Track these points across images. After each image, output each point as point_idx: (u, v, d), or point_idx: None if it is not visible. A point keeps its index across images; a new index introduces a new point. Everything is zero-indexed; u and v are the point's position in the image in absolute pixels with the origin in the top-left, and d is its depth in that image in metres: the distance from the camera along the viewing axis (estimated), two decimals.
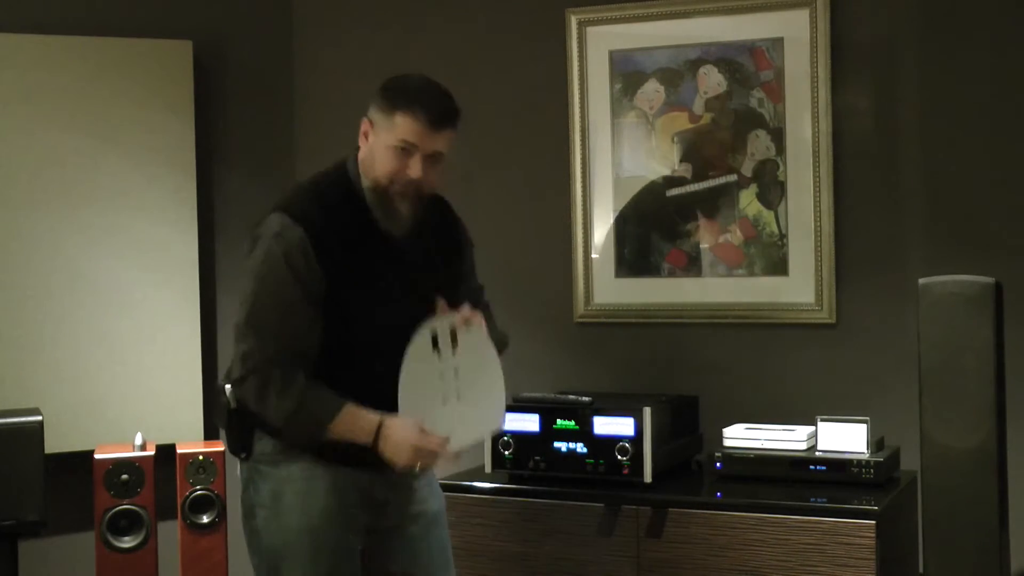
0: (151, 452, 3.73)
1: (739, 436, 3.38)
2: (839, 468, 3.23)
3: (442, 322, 2.59)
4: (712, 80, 3.72)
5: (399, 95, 2.60)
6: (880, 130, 3.57)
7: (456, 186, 3.92)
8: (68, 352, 3.90)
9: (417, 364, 2.57)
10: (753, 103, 3.68)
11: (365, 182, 2.63)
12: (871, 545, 2.97)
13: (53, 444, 3.69)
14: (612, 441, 3.28)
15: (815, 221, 3.60)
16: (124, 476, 3.68)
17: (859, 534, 2.98)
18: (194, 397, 4.04)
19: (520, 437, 3.39)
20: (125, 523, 3.69)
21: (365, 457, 2.61)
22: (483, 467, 3.46)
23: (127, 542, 3.69)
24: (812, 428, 3.34)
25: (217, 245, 4.19)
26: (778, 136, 3.65)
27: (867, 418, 3.27)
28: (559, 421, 3.36)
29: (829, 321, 3.61)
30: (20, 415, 3.55)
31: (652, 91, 3.80)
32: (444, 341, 2.59)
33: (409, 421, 2.54)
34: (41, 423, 3.52)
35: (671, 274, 3.80)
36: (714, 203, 3.74)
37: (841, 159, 3.59)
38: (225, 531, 3.77)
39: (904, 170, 3.55)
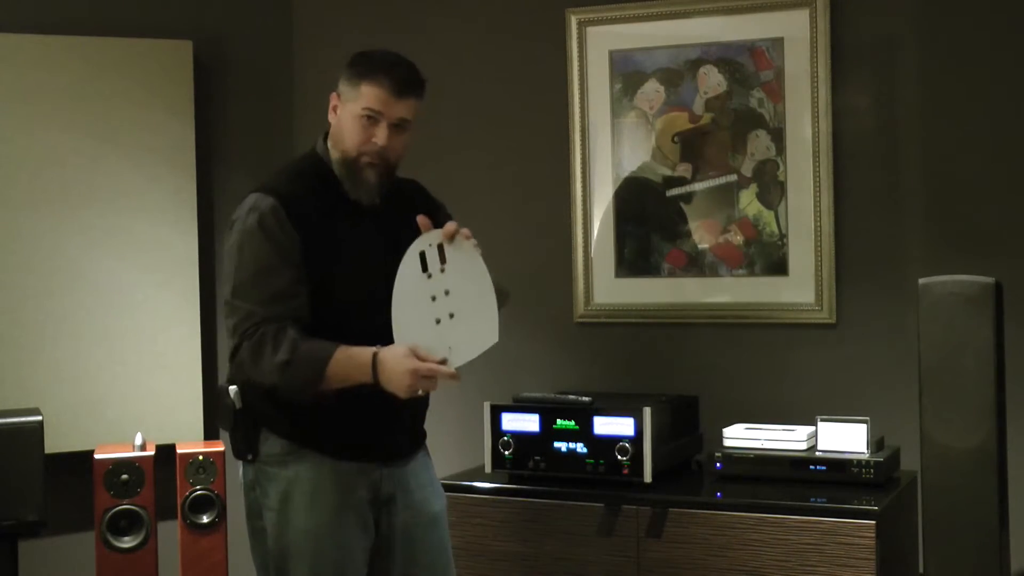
0: (151, 452, 3.73)
1: (739, 436, 3.38)
2: (839, 468, 3.23)
3: (429, 238, 2.56)
4: (712, 80, 3.72)
5: (364, 66, 2.67)
6: (880, 130, 3.57)
7: (456, 186, 3.94)
8: (68, 352, 3.90)
9: (407, 288, 2.53)
10: (753, 103, 3.68)
11: (335, 154, 2.70)
12: (871, 545, 2.97)
13: (53, 444, 3.69)
14: (612, 441, 3.28)
15: (815, 221, 3.60)
16: (124, 476, 3.68)
17: (859, 534, 2.98)
18: (194, 397, 4.04)
19: (520, 437, 3.39)
20: (125, 523, 3.69)
21: (372, 449, 2.64)
22: (483, 467, 3.46)
23: (127, 542, 3.69)
24: (812, 428, 3.34)
25: (217, 245, 4.18)
26: (778, 136, 3.65)
27: (867, 418, 3.27)
28: (559, 421, 3.36)
29: (829, 321, 3.61)
30: (20, 415, 3.55)
31: (652, 91, 3.80)
32: (432, 259, 2.55)
33: (402, 348, 2.51)
34: (41, 423, 3.52)
35: (671, 274, 3.80)
36: (714, 203, 3.74)
37: (841, 159, 3.59)
38: (225, 531, 3.77)
39: (904, 170, 3.55)
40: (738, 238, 3.71)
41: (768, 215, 3.67)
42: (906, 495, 3.27)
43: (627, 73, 3.82)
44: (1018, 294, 3.25)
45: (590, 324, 3.91)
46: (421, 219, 2.58)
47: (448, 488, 3.15)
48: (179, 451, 3.78)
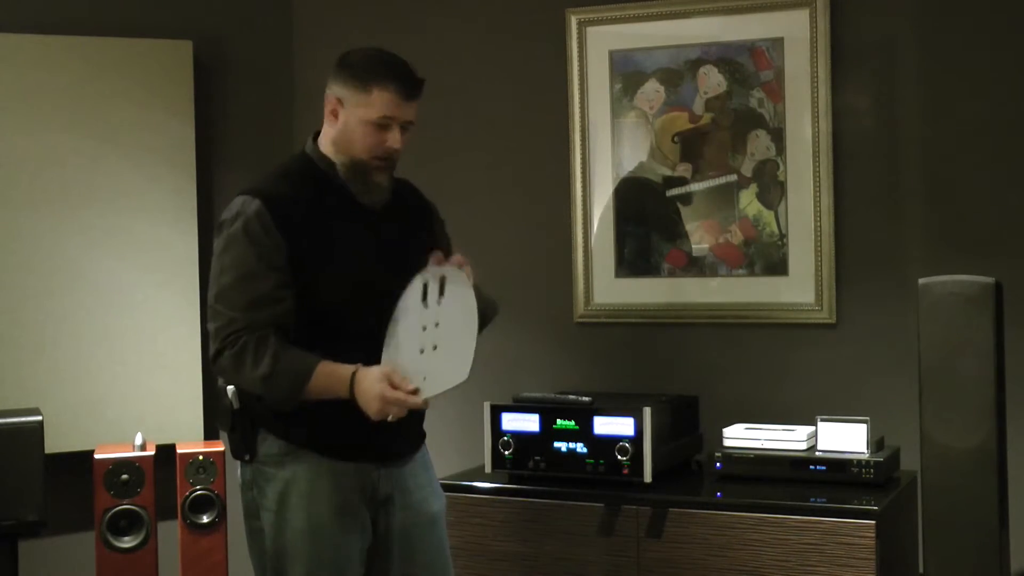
0: (151, 452, 3.73)
1: (739, 436, 3.38)
2: (839, 468, 3.23)
3: (434, 272, 2.59)
4: (712, 80, 3.72)
5: (370, 71, 2.64)
6: (880, 130, 3.57)
7: (456, 186, 3.94)
8: (68, 352, 3.90)
9: (405, 313, 2.56)
10: (753, 103, 3.68)
11: (340, 158, 2.69)
12: (871, 545, 2.97)
13: (53, 444, 3.69)
14: (612, 441, 3.28)
15: (815, 221, 3.60)
16: (124, 476, 3.68)
17: (859, 534, 2.98)
18: (194, 397, 4.04)
19: (520, 437, 3.39)
20: (125, 523, 3.69)
21: (369, 450, 2.64)
22: (483, 467, 3.46)
23: (127, 542, 3.69)
24: (812, 428, 3.34)
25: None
26: (778, 136, 3.65)
27: (867, 418, 3.27)
28: (559, 421, 3.36)
29: (829, 321, 3.61)
30: (20, 415, 3.55)
31: (652, 91, 3.80)
32: (432, 291, 2.59)
33: (378, 371, 2.52)
34: (41, 423, 3.52)
35: (671, 274, 3.80)
36: (714, 203, 3.74)
37: (841, 159, 3.59)
38: (225, 531, 3.77)
39: (904, 170, 3.55)
40: (738, 238, 3.71)
41: (768, 215, 3.68)
42: (906, 495, 3.27)
43: (627, 73, 3.82)
44: (1018, 294, 3.25)
45: (590, 324, 3.91)
46: (435, 255, 2.60)
47: (448, 488, 3.15)
48: (179, 451, 3.78)
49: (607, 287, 3.88)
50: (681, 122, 3.77)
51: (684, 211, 3.77)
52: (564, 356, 3.94)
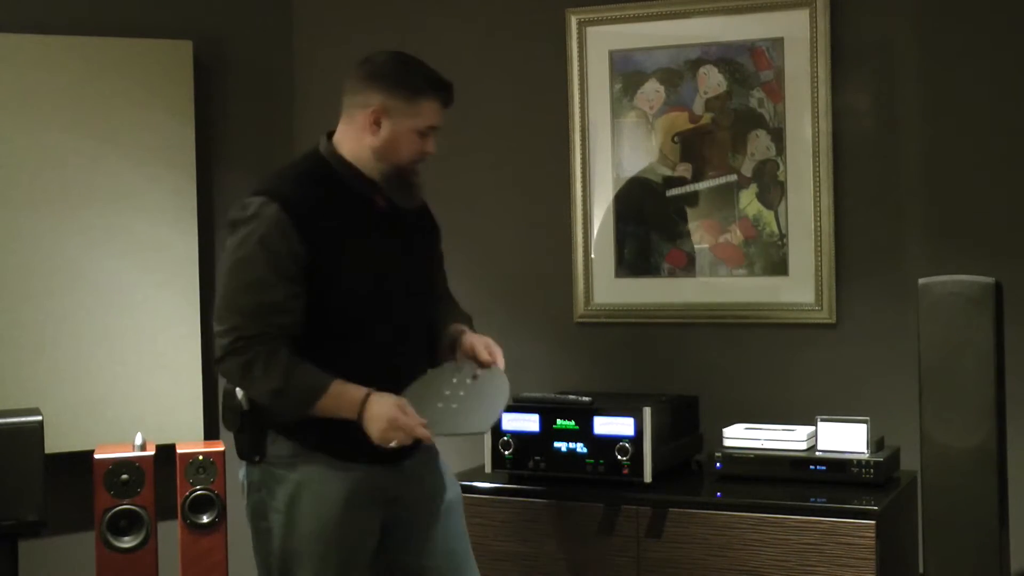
0: (151, 452, 3.73)
1: (739, 436, 3.38)
2: (839, 468, 3.22)
3: (468, 367, 2.73)
4: (712, 80, 3.72)
5: (418, 82, 2.67)
6: (880, 130, 3.57)
7: (457, 186, 3.94)
8: (68, 352, 3.90)
9: (430, 382, 2.70)
10: (753, 103, 3.68)
11: (381, 166, 2.68)
12: (871, 545, 2.97)
13: (53, 444, 3.69)
14: (612, 441, 3.28)
15: (815, 221, 3.60)
16: (124, 476, 3.68)
17: (859, 534, 2.98)
18: (194, 397, 4.04)
19: (520, 437, 3.39)
20: (125, 523, 3.69)
21: (379, 453, 2.64)
22: (483, 467, 3.46)
23: (127, 542, 3.69)
24: (812, 428, 3.34)
25: (217, 245, 4.18)
26: (778, 136, 3.65)
27: (867, 418, 3.27)
28: (559, 421, 3.35)
29: (829, 321, 3.61)
30: (20, 415, 3.55)
31: (652, 91, 3.80)
32: (463, 376, 2.74)
33: (393, 399, 2.58)
34: (41, 423, 3.52)
35: (671, 274, 3.80)
36: (714, 203, 3.74)
37: (841, 159, 3.59)
38: (225, 531, 3.78)
39: (904, 170, 3.55)
40: (738, 238, 3.71)
41: (768, 215, 3.68)
42: (906, 495, 3.27)
43: (627, 73, 3.82)
44: (1018, 294, 3.25)
45: (590, 324, 3.91)
46: (464, 343, 2.76)
47: None
48: (179, 451, 3.78)
49: (607, 287, 3.88)
50: (681, 122, 3.77)
51: (684, 211, 3.77)
52: (564, 356, 3.94)
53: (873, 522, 2.97)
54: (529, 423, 3.38)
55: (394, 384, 2.64)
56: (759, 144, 3.68)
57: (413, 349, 2.78)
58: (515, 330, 3.88)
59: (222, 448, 3.78)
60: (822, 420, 3.31)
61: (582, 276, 3.89)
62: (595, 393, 3.57)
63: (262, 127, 4.29)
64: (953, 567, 2.90)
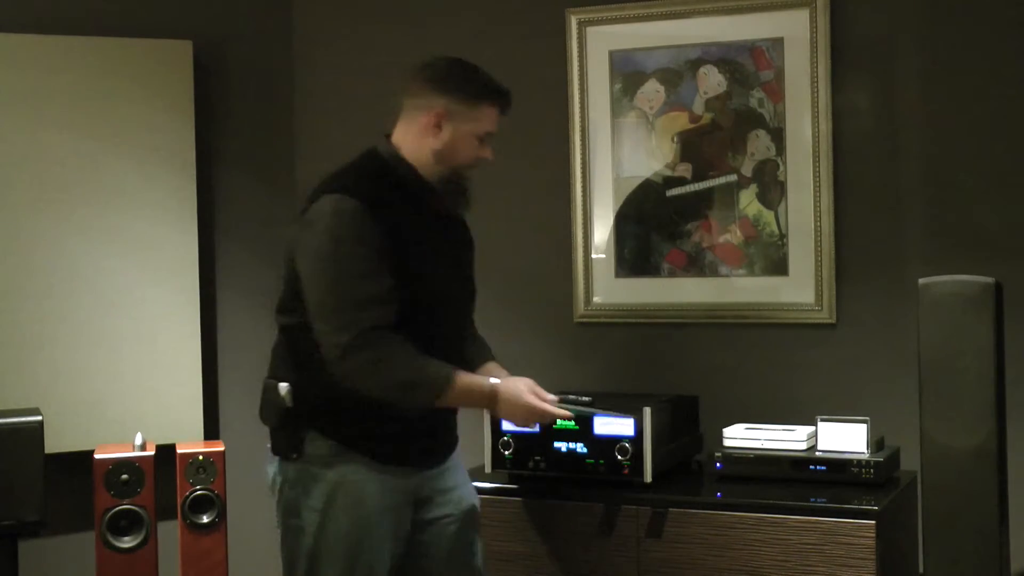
0: (151, 452, 3.73)
1: (739, 436, 3.38)
2: (839, 468, 3.22)
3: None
4: (712, 80, 3.72)
5: (480, 87, 2.77)
6: (880, 130, 3.57)
7: None
8: (68, 352, 3.90)
9: None
10: (753, 103, 3.68)
11: (439, 168, 2.74)
12: (871, 545, 2.97)
13: (53, 444, 3.69)
14: (612, 441, 3.28)
15: (815, 221, 3.60)
16: (124, 476, 3.68)
17: (859, 534, 2.98)
18: (194, 397, 4.04)
19: (520, 437, 3.39)
20: (125, 523, 3.69)
21: (415, 454, 2.73)
22: (483, 467, 3.45)
23: (127, 542, 3.69)
24: (812, 428, 3.34)
25: (217, 245, 4.19)
26: (778, 136, 3.65)
27: (867, 418, 3.27)
28: (559, 421, 3.35)
29: (829, 321, 3.61)
30: (20, 415, 3.55)
31: (652, 91, 3.80)
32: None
33: (522, 382, 2.73)
34: (41, 423, 3.52)
35: (671, 274, 3.80)
36: (714, 203, 3.74)
37: (841, 159, 3.59)
38: (225, 531, 3.77)
39: (904, 170, 3.55)
40: (738, 238, 3.71)
41: (768, 215, 3.67)
42: (906, 495, 3.27)
43: (627, 73, 3.82)
44: (1018, 294, 3.25)
45: (590, 324, 3.91)
46: None
47: None
48: (179, 451, 3.78)
49: (607, 287, 3.88)
50: (681, 122, 3.77)
51: (684, 211, 3.77)
52: (564, 356, 3.94)
53: (873, 522, 2.97)
54: None
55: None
56: (759, 144, 3.68)
57: (457, 356, 2.82)
58: (515, 330, 3.88)
59: (222, 448, 3.78)
60: (822, 420, 3.31)
61: (582, 276, 3.89)
62: (595, 393, 3.57)
63: (262, 127, 4.29)
64: (953, 567, 2.90)
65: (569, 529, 3.28)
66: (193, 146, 4.06)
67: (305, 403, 2.68)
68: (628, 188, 3.84)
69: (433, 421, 2.80)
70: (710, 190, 3.74)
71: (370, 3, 4.21)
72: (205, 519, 3.74)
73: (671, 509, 3.18)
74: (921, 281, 2.98)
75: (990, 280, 2.91)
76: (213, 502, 3.75)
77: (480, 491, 3.39)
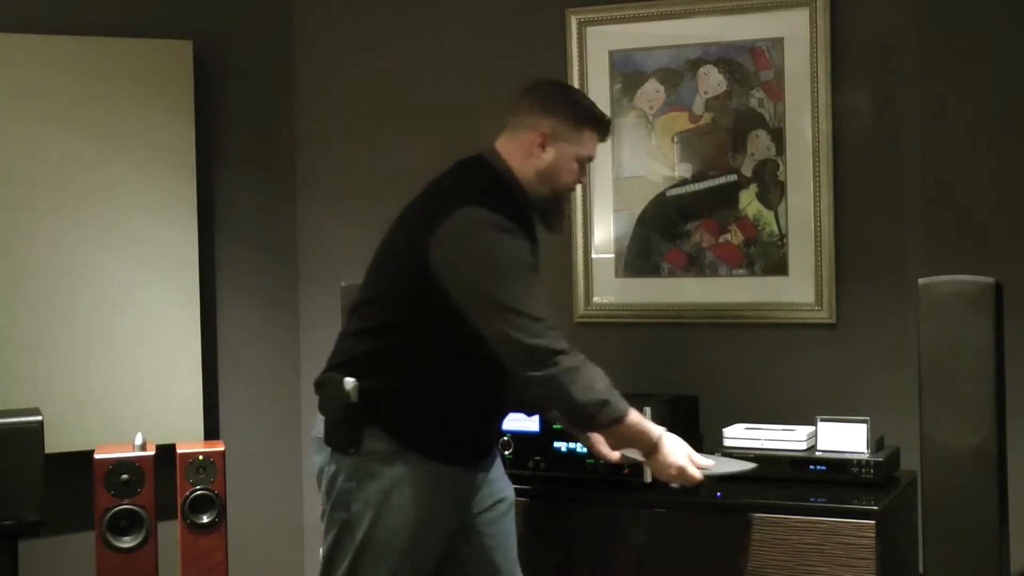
0: (151, 452, 3.73)
1: (739, 436, 3.38)
2: (839, 468, 3.22)
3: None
4: (712, 80, 3.72)
5: (585, 112, 2.84)
6: (880, 130, 3.57)
7: None
8: (68, 352, 3.90)
9: None
10: (753, 103, 3.68)
11: (541, 188, 2.83)
12: (871, 545, 2.97)
13: (53, 444, 3.69)
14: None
15: (815, 221, 3.60)
16: (124, 476, 3.68)
17: (859, 534, 2.98)
18: (194, 397, 4.04)
19: (520, 437, 3.39)
20: (125, 523, 3.70)
21: (470, 455, 2.79)
22: None
23: (127, 542, 3.69)
24: (812, 428, 3.34)
25: (217, 244, 4.19)
26: (778, 136, 3.65)
27: (867, 418, 3.27)
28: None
29: (829, 321, 3.61)
30: (20, 415, 3.56)
31: (652, 91, 3.80)
32: None
33: (683, 444, 2.81)
34: (41, 423, 3.52)
35: (671, 274, 3.80)
36: (714, 203, 3.74)
37: (841, 159, 3.59)
38: (225, 531, 3.78)
39: (904, 170, 3.55)
40: (738, 238, 3.71)
41: (768, 215, 3.68)
42: (906, 495, 3.27)
43: (627, 73, 3.83)
44: (1018, 294, 3.25)
45: (590, 324, 3.91)
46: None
47: None
48: (179, 451, 3.78)
49: (607, 287, 3.88)
50: (681, 122, 3.77)
51: (684, 211, 3.77)
52: None
53: (873, 522, 2.97)
54: (529, 423, 3.38)
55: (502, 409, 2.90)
56: (759, 144, 3.68)
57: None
58: None
59: (222, 448, 3.78)
60: (822, 420, 3.31)
61: (582, 276, 3.89)
62: None
63: (262, 127, 4.29)
64: (953, 567, 2.90)
65: (569, 529, 3.28)
66: (193, 146, 4.06)
67: (370, 400, 2.70)
68: (628, 188, 3.83)
69: (492, 424, 2.91)
70: (710, 190, 3.74)
71: (370, 3, 4.21)
72: (205, 519, 3.75)
73: (671, 509, 3.18)
74: (921, 281, 2.97)
75: (990, 280, 2.91)
76: (213, 502, 3.75)
77: None
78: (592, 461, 3.31)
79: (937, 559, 2.92)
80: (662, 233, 3.80)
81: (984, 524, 2.88)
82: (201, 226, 4.09)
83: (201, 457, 3.76)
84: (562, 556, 3.28)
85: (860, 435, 3.25)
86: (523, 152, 2.81)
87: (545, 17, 3.92)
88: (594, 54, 3.85)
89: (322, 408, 2.79)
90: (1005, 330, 2.94)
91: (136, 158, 3.98)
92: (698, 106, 3.75)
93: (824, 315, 3.61)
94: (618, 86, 3.83)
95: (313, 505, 4.34)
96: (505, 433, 3.39)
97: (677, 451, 2.80)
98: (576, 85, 3.86)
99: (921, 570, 3.20)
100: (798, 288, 3.64)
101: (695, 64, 3.74)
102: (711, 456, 2.97)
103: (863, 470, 3.20)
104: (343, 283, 3.53)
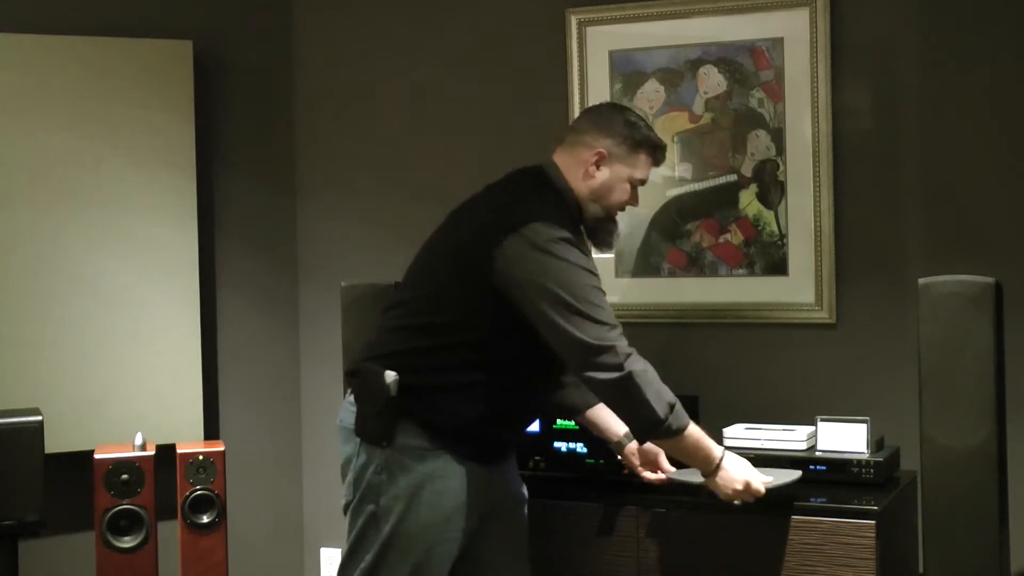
0: (151, 452, 3.73)
1: (739, 436, 3.37)
2: (839, 468, 3.22)
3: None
4: (712, 80, 3.72)
5: (641, 135, 2.91)
6: (880, 130, 3.57)
7: (456, 185, 3.93)
8: (68, 352, 3.90)
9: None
10: (753, 103, 3.68)
11: (594, 207, 2.90)
12: (871, 545, 2.97)
13: (53, 444, 3.69)
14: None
15: (815, 221, 3.60)
16: (124, 476, 3.68)
17: (859, 534, 2.98)
18: (194, 397, 4.04)
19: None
20: (125, 523, 3.70)
21: (497, 455, 2.86)
22: None
23: (127, 542, 3.69)
24: (812, 428, 3.34)
25: (217, 245, 4.19)
26: (778, 136, 3.65)
27: (867, 418, 3.27)
28: (559, 421, 3.35)
29: (829, 321, 3.61)
30: (20, 415, 3.56)
31: (652, 91, 3.80)
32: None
33: (746, 464, 2.87)
34: (41, 423, 3.52)
35: (671, 274, 3.80)
36: (714, 203, 3.74)
37: (841, 159, 3.59)
38: (225, 531, 3.78)
39: (904, 170, 3.55)
40: (738, 238, 3.71)
41: (768, 215, 3.68)
42: (906, 495, 3.27)
43: (627, 73, 3.82)
44: (1018, 294, 3.25)
45: None
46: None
47: None
48: (179, 451, 3.78)
49: (607, 287, 3.83)
50: (681, 122, 3.77)
51: (684, 211, 3.77)
52: None
53: (873, 522, 2.97)
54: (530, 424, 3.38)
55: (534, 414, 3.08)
56: (759, 144, 3.68)
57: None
58: None
59: (222, 448, 3.78)
60: (822, 420, 3.31)
61: None
62: None
63: (262, 127, 4.29)
64: (953, 567, 2.90)
65: (569, 529, 3.28)
66: (193, 146, 4.06)
67: (409, 396, 2.73)
68: None
69: (522, 426, 2.99)
70: (710, 190, 3.74)
71: (370, 3, 4.21)
72: (205, 519, 3.75)
73: (671, 509, 3.18)
74: (921, 281, 2.97)
75: (990, 280, 2.91)
76: (213, 502, 3.75)
77: None
78: (592, 461, 3.31)
79: (937, 559, 2.92)
80: (662, 233, 3.80)
81: (984, 524, 2.88)
82: (201, 226, 4.09)
83: (201, 457, 3.76)
84: (562, 556, 3.28)
85: (860, 435, 3.25)
86: (578, 169, 2.89)
87: (545, 17, 3.92)
88: (594, 54, 3.85)
89: (359, 398, 2.82)
90: (1005, 330, 2.94)
91: (136, 158, 3.98)
92: (698, 106, 3.75)
93: (824, 315, 3.61)
94: (618, 86, 3.83)
95: (313, 505, 4.35)
96: None
97: (743, 466, 2.87)
98: (576, 85, 3.86)
99: (921, 570, 3.20)
100: (798, 288, 3.64)
101: (695, 64, 3.74)
102: (764, 470, 2.98)
103: (863, 470, 3.20)
104: (343, 283, 3.53)
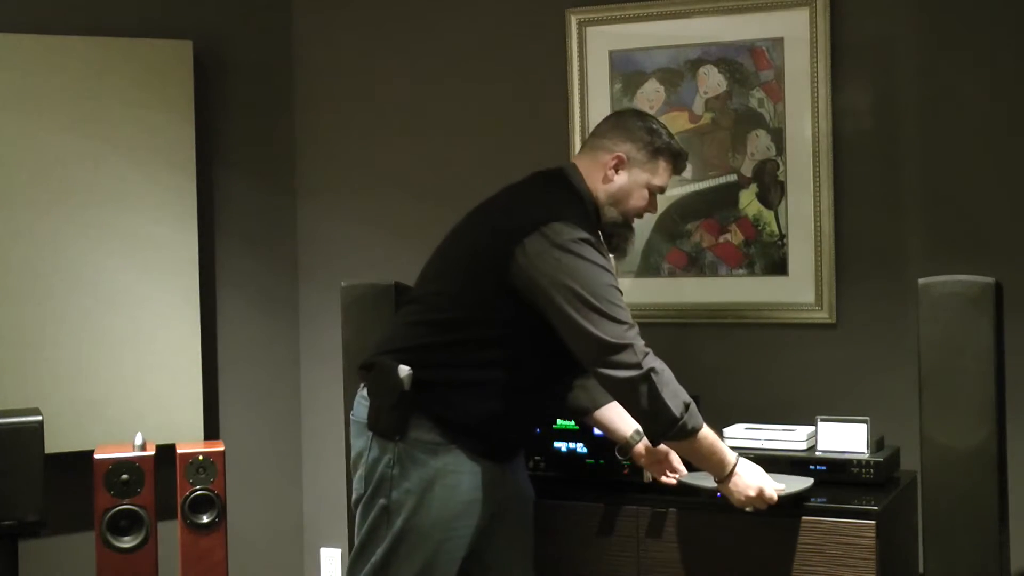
0: (151, 452, 3.73)
1: (739, 436, 3.37)
2: (839, 468, 3.22)
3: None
4: (712, 80, 3.72)
5: (662, 142, 2.92)
6: (880, 130, 3.57)
7: (456, 186, 3.94)
8: (68, 352, 3.90)
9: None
10: (753, 103, 3.68)
11: (611, 212, 2.91)
12: (871, 545, 2.97)
13: (53, 444, 3.69)
14: (612, 441, 3.27)
15: (815, 221, 3.60)
16: (124, 476, 3.68)
17: (859, 534, 2.98)
18: (194, 397, 4.04)
19: None
20: (125, 523, 3.70)
21: (505, 452, 2.87)
22: None
23: (127, 542, 3.69)
24: (812, 428, 3.34)
25: (217, 245, 4.19)
26: (778, 136, 3.65)
27: (867, 418, 3.27)
28: (559, 421, 3.35)
29: (829, 321, 3.61)
30: (20, 415, 3.56)
31: (652, 91, 3.80)
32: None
33: (759, 470, 2.88)
34: (41, 423, 3.52)
35: (671, 274, 3.80)
36: (714, 203, 3.74)
37: (841, 159, 3.59)
38: (225, 531, 3.78)
39: (904, 170, 3.55)
40: (738, 238, 3.71)
41: (768, 215, 3.68)
42: (906, 495, 3.27)
43: (627, 73, 3.82)
44: (1018, 294, 3.25)
45: None
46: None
47: None
48: (179, 451, 3.78)
49: None
50: (681, 122, 3.77)
51: (684, 211, 3.77)
52: None
53: (873, 522, 2.97)
54: None
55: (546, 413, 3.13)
56: (759, 144, 3.68)
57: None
58: None
59: (222, 448, 3.78)
60: (822, 420, 3.31)
61: None
62: None
63: (262, 127, 4.29)
64: (953, 567, 2.89)
65: (569, 529, 3.28)
66: (193, 146, 4.06)
67: (423, 391, 2.74)
68: None
69: (534, 426, 3.05)
70: (710, 190, 3.74)
71: (370, 3, 4.21)
72: (205, 519, 3.75)
73: (671, 509, 3.18)
74: (921, 281, 2.97)
75: (990, 280, 2.91)
76: (213, 502, 3.75)
77: None
78: (592, 461, 3.31)
79: (937, 559, 2.92)
80: (662, 233, 3.80)
81: (984, 524, 2.87)
82: (201, 226, 4.09)
83: (201, 457, 3.76)
84: (562, 556, 3.28)
85: (860, 435, 3.24)
86: (597, 172, 2.90)
87: (545, 17, 3.92)
88: (594, 54, 3.85)
89: (372, 392, 2.82)
90: (1005, 330, 2.94)
91: (136, 158, 3.98)
92: (698, 106, 3.75)
93: (824, 315, 3.61)
94: (618, 86, 3.83)
95: (313, 505, 4.35)
96: None
97: (757, 473, 2.87)
98: (576, 85, 3.86)
99: (921, 570, 3.20)
100: (798, 288, 3.64)
101: (695, 64, 3.74)
102: (776, 476, 2.99)
103: (863, 470, 3.20)
104: (343, 283, 3.53)
